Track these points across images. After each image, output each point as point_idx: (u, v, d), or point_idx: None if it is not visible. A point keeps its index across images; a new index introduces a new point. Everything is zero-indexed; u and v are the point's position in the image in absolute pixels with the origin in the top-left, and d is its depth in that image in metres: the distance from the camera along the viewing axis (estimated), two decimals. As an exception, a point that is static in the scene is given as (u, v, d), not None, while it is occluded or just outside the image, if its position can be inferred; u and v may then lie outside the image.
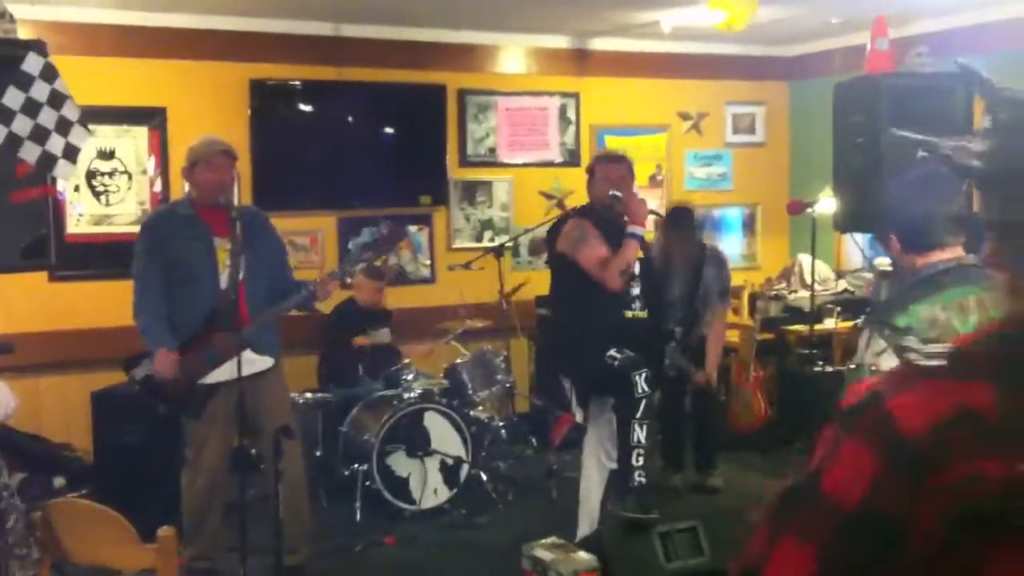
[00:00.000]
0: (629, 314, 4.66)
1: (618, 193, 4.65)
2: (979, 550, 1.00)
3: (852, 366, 2.48)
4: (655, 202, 8.00)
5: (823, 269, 7.48)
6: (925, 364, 1.08)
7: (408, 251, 7.50)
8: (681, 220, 5.93)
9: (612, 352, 4.50)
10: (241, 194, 6.78)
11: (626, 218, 4.68)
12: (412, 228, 7.48)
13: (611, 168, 4.81)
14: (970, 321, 2.40)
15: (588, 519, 4.72)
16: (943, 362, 1.07)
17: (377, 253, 5.18)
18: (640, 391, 4.42)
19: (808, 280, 6.98)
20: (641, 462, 4.45)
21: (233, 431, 4.51)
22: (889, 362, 2.36)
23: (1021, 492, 0.98)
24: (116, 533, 2.95)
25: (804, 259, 7.58)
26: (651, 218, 5.19)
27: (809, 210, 6.31)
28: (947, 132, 6.01)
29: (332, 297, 6.18)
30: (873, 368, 2.40)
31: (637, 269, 4.68)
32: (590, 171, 4.87)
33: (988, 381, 1.03)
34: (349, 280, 6.49)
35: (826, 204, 6.14)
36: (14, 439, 6.06)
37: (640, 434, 4.44)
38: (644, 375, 4.43)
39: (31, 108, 4.31)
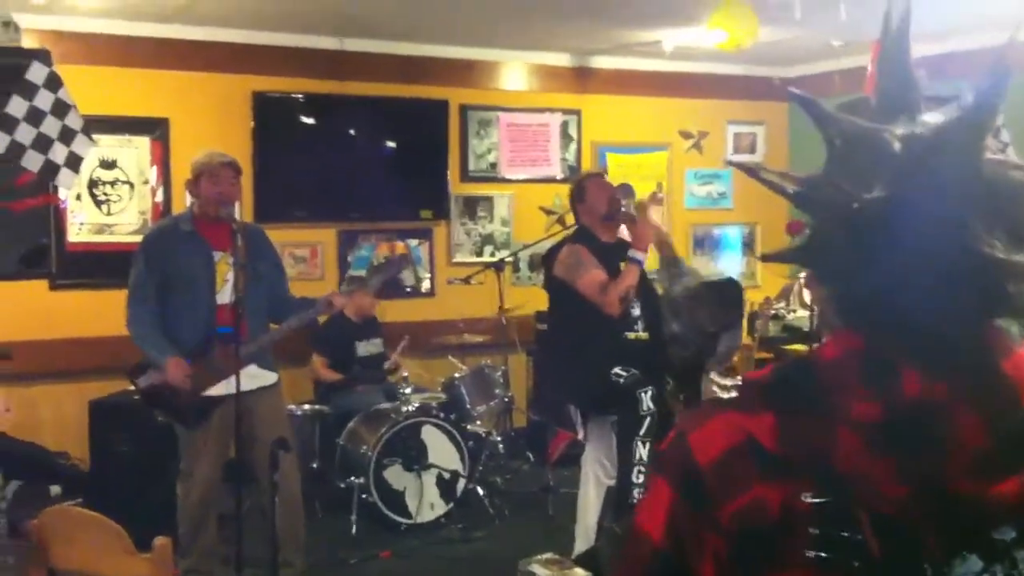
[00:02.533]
0: (631, 335, 4.67)
1: (633, 212, 4.63)
2: None
3: None
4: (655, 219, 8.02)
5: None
6: (722, 397, 1.11)
7: (409, 266, 7.50)
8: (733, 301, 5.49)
9: (617, 370, 4.50)
10: (242, 206, 6.78)
11: (626, 236, 4.68)
12: (412, 242, 7.49)
13: (603, 183, 4.84)
14: None
15: (585, 535, 4.72)
16: (734, 395, 1.10)
17: (389, 276, 5.21)
18: (645, 408, 4.42)
19: (807, 300, 7.00)
20: (642, 480, 4.44)
21: (228, 443, 4.52)
22: None
23: (799, 520, 1.00)
24: (111, 542, 2.95)
25: (804, 278, 7.60)
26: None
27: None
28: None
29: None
30: None
31: (635, 291, 4.68)
32: (579, 189, 4.87)
33: (770, 411, 1.05)
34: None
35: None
36: (11, 446, 6.06)
37: (643, 452, 4.44)
38: (650, 393, 4.44)
39: (35, 117, 4.33)
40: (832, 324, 1.10)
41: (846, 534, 0.99)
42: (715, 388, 5.03)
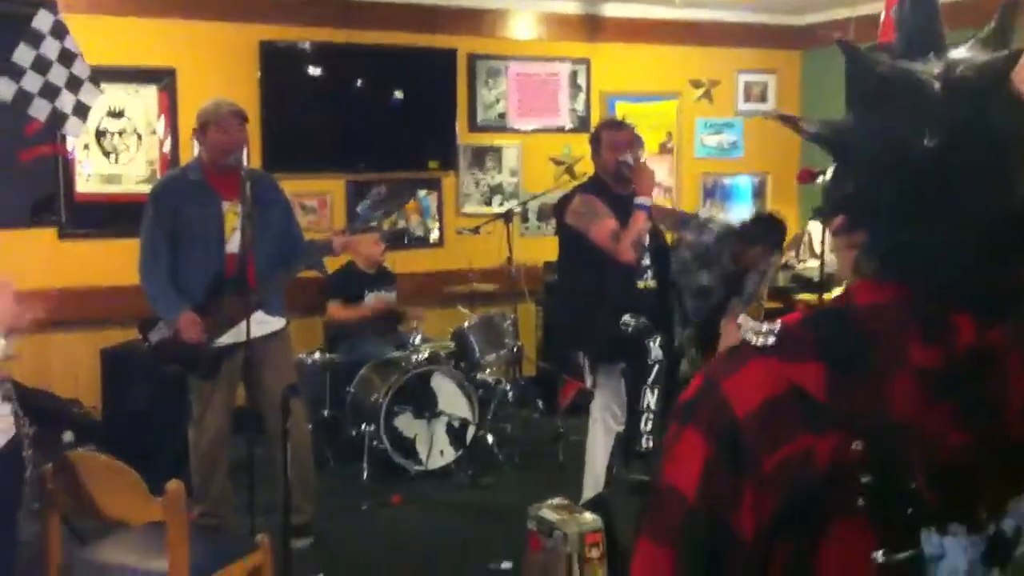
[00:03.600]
0: (641, 284, 4.67)
1: (628, 160, 4.63)
2: (809, 533, 1.00)
3: None
4: (664, 169, 7.99)
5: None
6: (756, 343, 1.06)
7: (417, 215, 7.50)
8: (763, 237, 5.48)
9: (626, 318, 4.51)
10: (250, 156, 6.77)
11: (634, 188, 4.66)
12: (421, 192, 7.48)
13: (617, 134, 4.80)
14: None
15: (593, 482, 4.75)
16: (773, 341, 1.06)
17: (386, 212, 5.20)
18: (654, 356, 4.43)
19: (817, 249, 6.98)
20: (650, 427, 4.46)
21: (236, 390, 4.56)
22: None
23: (849, 472, 0.98)
24: (126, 486, 2.98)
25: (814, 228, 7.58)
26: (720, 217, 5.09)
27: (819, 179, 6.27)
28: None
29: (332, 261, 6.23)
30: None
31: (647, 239, 4.68)
32: (595, 139, 4.85)
33: (817, 360, 1.03)
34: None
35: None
36: (23, 394, 6.10)
37: (651, 399, 4.46)
38: (658, 341, 4.45)
39: (41, 65, 4.31)
40: (865, 272, 1.08)
41: (899, 483, 0.98)
42: (748, 332, 5.01)
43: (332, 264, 6.13)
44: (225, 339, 4.44)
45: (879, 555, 0.99)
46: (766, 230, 5.44)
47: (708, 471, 1.03)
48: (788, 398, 1.02)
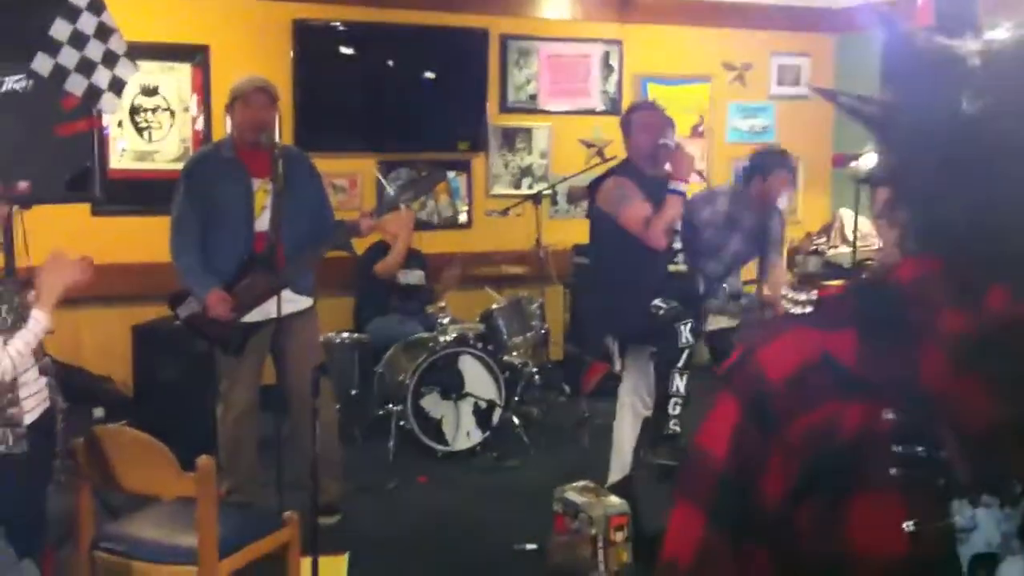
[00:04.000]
0: (672, 268, 4.65)
1: (668, 142, 4.60)
2: (835, 501, 1.00)
3: None
4: (696, 153, 7.94)
5: (865, 224, 7.41)
6: (794, 313, 1.08)
7: (446, 196, 7.50)
8: (779, 164, 5.40)
9: (657, 302, 4.49)
10: (282, 135, 6.79)
11: (668, 169, 4.63)
12: (450, 174, 7.48)
13: (648, 115, 4.77)
14: None
15: (620, 465, 4.75)
16: (810, 310, 1.07)
17: (415, 194, 5.22)
18: (684, 341, 4.42)
19: (849, 235, 6.93)
20: (678, 411, 4.45)
21: (262, 367, 4.59)
22: None
23: (877, 440, 0.98)
24: (157, 460, 3.02)
25: (846, 214, 7.53)
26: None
27: (853, 164, 6.24)
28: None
29: (363, 240, 6.24)
30: None
31: (679, 224, 4.66)
32: (626, 123, 4.82)
33: (850, 328, 1.03)
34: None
35: (870, 158, 6.07)
36: (54, 369, 6.16)
37: (680, 383, 4.45)
38: (689, 325, 4.43)
39: (78, 40, 4.33)
40: (907, 249, 1.08)
41: (930, 452, 0.98)
42: (787, 303, 5.02)
43: (361, 244, 6.19)
44: (252, 316, 4.46)
45: (910, 525, 0.98)
46: (777, 156, 5.44)
47: (738, 435, 1.05)
48: (819, 365, 1.02)
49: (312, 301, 4.67)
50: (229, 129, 4.69)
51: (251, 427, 4.65)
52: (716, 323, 5.26)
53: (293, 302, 4.47)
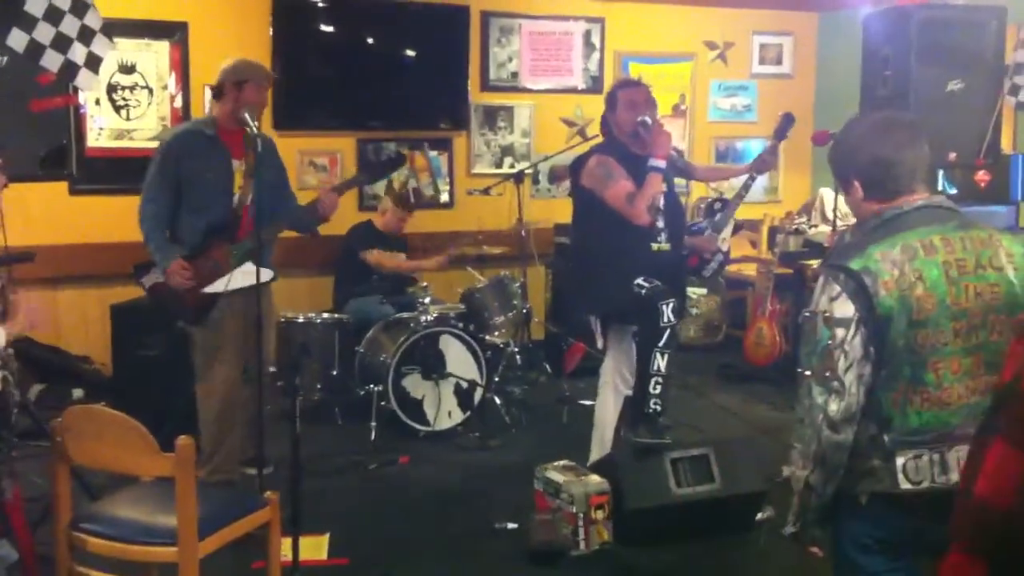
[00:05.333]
0: (655, 246, 4.64)
1: (647, 119, 4.58)
2: None
3: (807, 313, 2.37)
4: (677, 131, 7.93)
5: (845, 204, 7.42)
6: None
7: (427, 175, 7.47)
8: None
9: (640, 281, 4.48)
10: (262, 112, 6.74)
11: (649, 149, 4.61)
12: (432, 152, 7.45)
13: (634, 93, 4.75)
14: (936, 260, 2.30)
15: (601, 444, 4.75)
16: None
17: (372, 176, 5.58)
18: (666, 320, 4.40)
19: (829, 214, 6.93)
20: (659, 390, 4.44)
21: (240, 341, 4.56)
22: (843, 308, 2.28)
23: None
24: (134, 440, 2.99)
25: (826, 193, 7.53)
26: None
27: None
28: (977, 65, 5.94)
29: (348, 219, 6.23)
30: (827, 315, 2.30)
31: (661, 202, 4.64)
32: (611, 99, 4.80)
33: None
34: (378, 205, 6.73)
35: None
36: (33, 350, 6.13)
37: (661, 363, 4.44)
38: (671, 305, 4.42)
39: (53, 16, 4.28)
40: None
41: None
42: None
43: (354, 218, 6.23)
44: (215, 287, 4.47)
45: None
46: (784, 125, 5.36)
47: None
48: None
49: (272, 273, 4.67)
50: (209, 108, 4.67)
51: (239, 406, 4.61)
52: None
53: (252, 274, 4.44)
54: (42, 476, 3.66)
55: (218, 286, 4.45)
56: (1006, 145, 6.41)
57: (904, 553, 2.40)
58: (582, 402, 5.88)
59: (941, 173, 6.13)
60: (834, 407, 2.29)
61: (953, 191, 6.00)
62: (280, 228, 4.68)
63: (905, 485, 2.30)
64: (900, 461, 2.30)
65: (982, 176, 5.96)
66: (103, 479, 4.02)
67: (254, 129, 4.22)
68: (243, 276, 4.28)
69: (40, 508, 3.75)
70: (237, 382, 4.57)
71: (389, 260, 6.32)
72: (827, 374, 2.29)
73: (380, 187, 7.15)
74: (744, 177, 5.21)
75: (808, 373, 2.34)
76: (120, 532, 3.07)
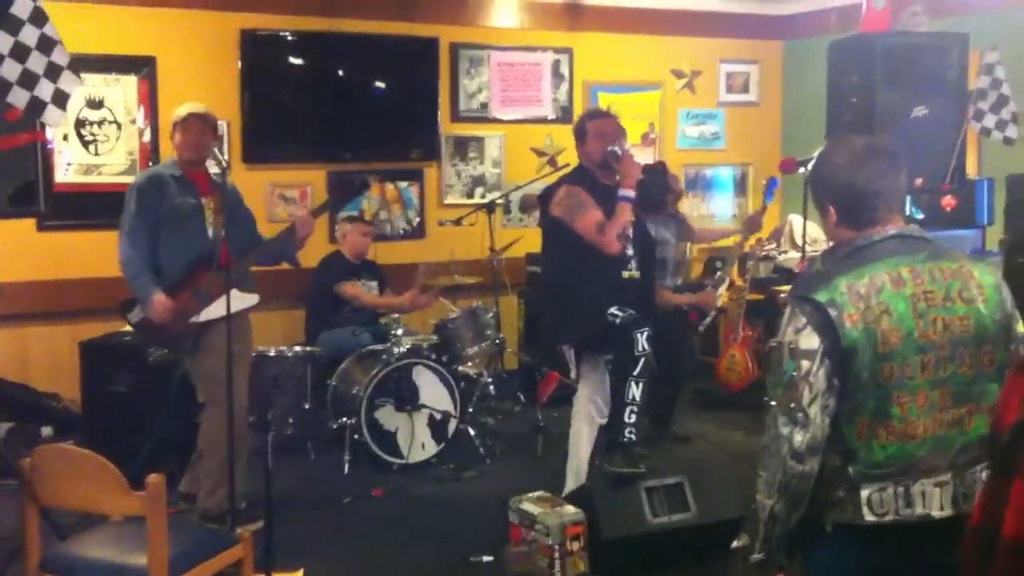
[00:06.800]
0: (626, 274, 4.65)
1: (617, 149, 4.61)
2: None
3: (773, 344, 2.37)
4: (647, 160, 7.97)
5: (814, 230, 7.47)
6: None
7: (398, 206, 7.47)
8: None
9: (613, 310, 4.49)
10: (231, 146, 6.74)
11: (618, 179, 4.64)
12: (403, 184, 7.45)
13: (603, 123, 4.78)
14: (903, 293, 2.29)
15: (575, 474, 4.74)
16: None
17: (337, 202, 5.84)
18: (640, 349, 4.41)
19: (799, 241, 6.98)
20: (634, 419, 4.44)
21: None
22: (809, 340, 2.27)
23: None
24: (104, 478, 2.96)
25: (795, 219, 7.59)
26: None
27: (802, 169, 6.28)
28: (941, 91, 6.02)
29: (319, 250, 6.21)
30: (792, 346, 2.30)
31: (631, 231, 4.66)
32: (580, 131, 4.83)
33: None
34: (337, 233, 6.67)
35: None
36: (2, 388, 6.06)
37: (636, 391, 4.44)
38: (645, 334, 4.43)
39: (20, 53, 4.26)
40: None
41: None
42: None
43: (324, 250, 6.26)
44: (204, 315, 4.60)
45: None
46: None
47: None
48: None
49: (257, 297, 4.82)
50: (174, 152, 4.85)
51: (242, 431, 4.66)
52: None
53: (244, 299, 4.62)
54: (10, 515, 3.61)
55: (207, 313, 4.58)
56: (971, 170, 6.49)
57: None
58: (556, 431, 5.86)
59: (908, 198, 6.20)
60: (799, 438, 2.29)
61: (920, 216, 6.06)
62: (257, 256, 4.86)
63: (869, 517, 2.30)
64: (865, 493, 2.30)
65: (948, 201, 6.02)
66: (73, 518, 3.97)
67: (215, 171, 4.42)
68: (235, 301, 4.34)
69: (9, 548, 3.70)
70: (242, 409, 4.60)
71: (366, 296, 6.29)
72: (792, 405, 2.29)
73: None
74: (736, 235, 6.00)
75: (774, 404, 2.35)
76: (90, 574, 3.03)
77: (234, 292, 4.33)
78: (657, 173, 5.83)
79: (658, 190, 5.75)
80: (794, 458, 2.30)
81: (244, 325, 4.79)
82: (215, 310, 4.53)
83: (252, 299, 4.76)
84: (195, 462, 4.80)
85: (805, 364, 2.28)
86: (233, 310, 4.28)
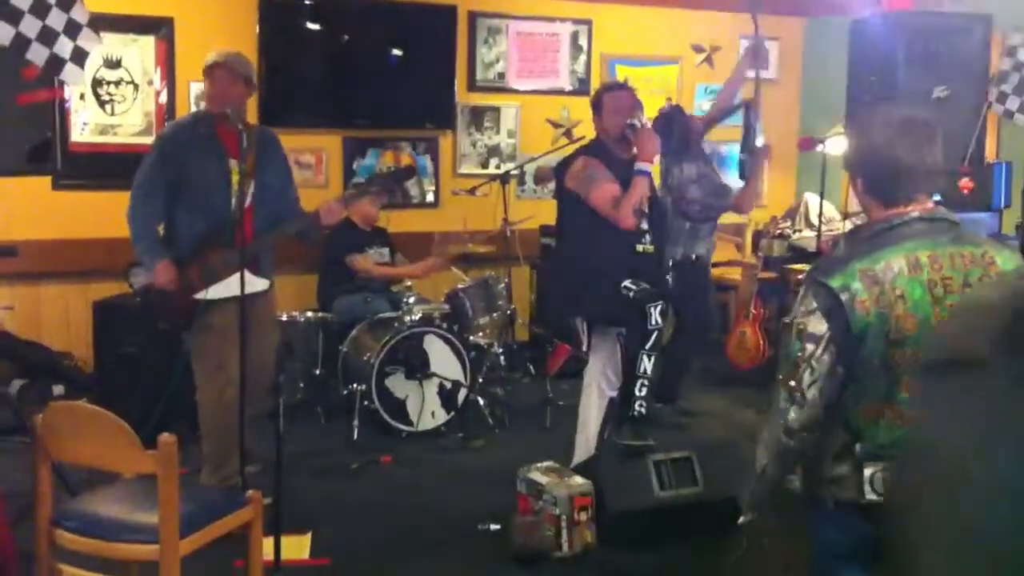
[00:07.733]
0: (640, 248, 4.64)
1: (635, 122, 4.59)
2: None
3: (786, 320, 2.39)
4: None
5: (830, 209, 7.45)
6: None
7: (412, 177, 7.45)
8: None
9: (627, 283, 4.49)
10: (246, 110, 6.71)
11: (635, 152, 4.63)
12: (418, 151, 7.43)
13: (619, 96, 4.76)
14: (920, 278, 2.28)
15: (585, 446, 4.75)
16: None
17: (384, 187, 5.25)
18: (654, 323, 4.41)
19: (814, 220, 6.96)
20: (644, 392, 4.45)
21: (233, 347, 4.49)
22: (816, 325, 2.28)
23: None
24: (117, 437, 2.97)
25: (811, 198, 7.56)
26: None
27: (820, 148, 6.26)
28: (962, 72, 5.98)
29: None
30: (800, 327, 2.31)
31: (646, 205, 4.65)
32: (597, 103, 4.81)
33: None
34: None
35: (836, 143, 6.10)
36: (14, 345, 6.09)
37: (647, 365, 4.44)
38: (659, 307, 4.43)
39: (40, 9, 4.25)
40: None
41: None
42: None
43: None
44: (211, 293, 4.38)
45: None
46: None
47: None
48: None
49: (269, 283, 4.59)
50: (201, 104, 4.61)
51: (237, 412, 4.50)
52: None
53: (252, 283, 4.29)
54: (22, 471, 3.63)
55: (210, 292, 4.36)
56: (989, 153, 6.45)
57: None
58: (564, 403, 5.86)
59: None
60: (793, 415, 2.33)
61: (937, 197, 6.03)
62: (282, 236, 4.54)
63: (870, 496, 2.32)
64: (868, 472, 2.33)
65: (966, 183, 5.99)
66: (84, 475, 3.99)
67: (243, 126, 4.13)
68: (237, 285, 4.10)
69: (20, 504, 3.73)
70: (237, 389, 4.44)
71: (376, 268, 6.28)
72: (792, 384, 2.32)
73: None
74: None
75: (780, 377, 2.37)
76: (101, 529, 3.05)
77: (246, 274, 4.10)
78: (673, 116, 5.80)
79: (682, 130, 5.73)
80: (785, 434, 2.36)
81: (259, 314, 4.41)
82: (220, 289, 4.32)
83: (261, 284, 4.46)
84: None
85: (810, 347, 2.30)
86: (237, 292, 4.05)
